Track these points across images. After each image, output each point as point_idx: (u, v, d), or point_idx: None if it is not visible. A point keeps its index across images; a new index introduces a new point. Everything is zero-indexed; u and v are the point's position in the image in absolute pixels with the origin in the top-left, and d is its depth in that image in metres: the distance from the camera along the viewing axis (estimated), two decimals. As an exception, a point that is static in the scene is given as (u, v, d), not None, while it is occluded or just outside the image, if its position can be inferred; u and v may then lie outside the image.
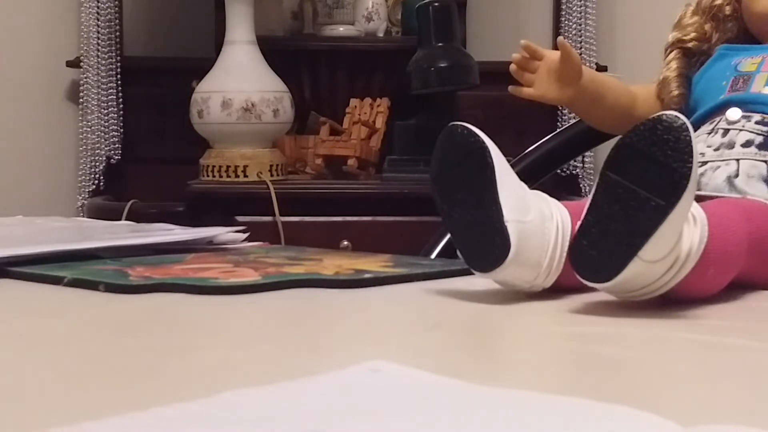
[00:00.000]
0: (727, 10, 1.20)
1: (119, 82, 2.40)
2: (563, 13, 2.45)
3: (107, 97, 2.38)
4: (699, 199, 0.73)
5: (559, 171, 2.24)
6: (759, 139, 0.99)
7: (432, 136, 0.79)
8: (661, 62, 1.22)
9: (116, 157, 2.39)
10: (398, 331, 0.68)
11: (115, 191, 2.38)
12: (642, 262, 0.67)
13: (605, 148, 1.12)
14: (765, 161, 0.97)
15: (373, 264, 0.88)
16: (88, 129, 2.38)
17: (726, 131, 1.01)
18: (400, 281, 0.83)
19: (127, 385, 0.52)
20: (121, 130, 2.40)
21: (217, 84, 2.10)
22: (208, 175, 2.09)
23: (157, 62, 2.46)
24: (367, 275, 0.83)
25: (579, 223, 0.69)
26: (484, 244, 0.73)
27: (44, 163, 2.48)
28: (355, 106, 2.26)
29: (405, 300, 0.78)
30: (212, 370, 0.55)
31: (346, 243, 1.96)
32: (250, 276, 0.81)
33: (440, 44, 2.16)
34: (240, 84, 2.08)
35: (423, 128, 2.15)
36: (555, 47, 1.18)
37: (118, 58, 2.40)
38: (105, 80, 2.38)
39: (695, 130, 0.92)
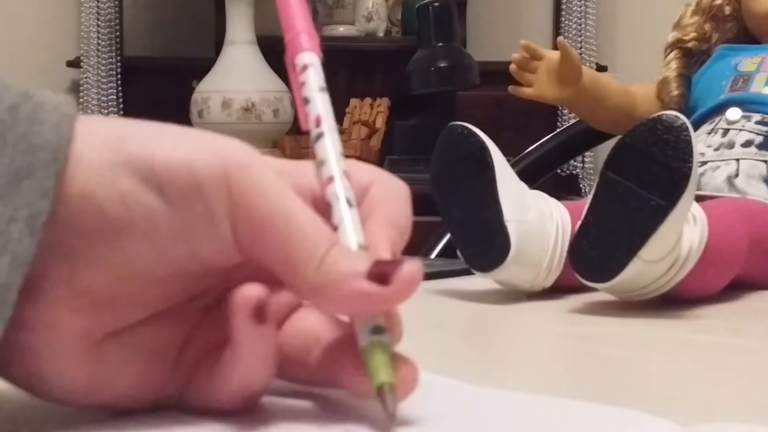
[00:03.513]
0: (727, 10, 1.20)
1: (119, 82, 2.40)
2: (563, 13, 2.45)
3: (107, 97, 2.38)
4: (699, 199, 0.73)
5: (559, 171, 2.24)
6: (759, 139, 0.99)
7: (432, 136, 0.79)
8: (661, 62, 1.22)
9: (117, 157, 2.39)
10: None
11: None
12: (642, 262, 0.67)
13: (605, 148, 1.12)
14: (765, 161, 0.97)
15: (373, 264, 0.88)
16: (88, 129, 2.38)
17: (726, 131, 1.01)
18: (399, 281, 0.83)
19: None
20: (121, 130, 2.40)
21: (217, 84, 2.10)
22: (208, 175, 2.09)
23: (157, 62, 2.46)
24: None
25: (579, 223, 0.69)
26: (484, 244, 0.73)
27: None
28: (355, 106, 2.26)
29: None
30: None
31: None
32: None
33: (440, 44, 2.16)
34: (240, 84, 2.08)
35: (423, 128, 2.15)
36: (555, 47, 1.18)
37: (118, 58, 2.41)
38: (105, 80, 2.38)
39: (695, 130, 0.92)
